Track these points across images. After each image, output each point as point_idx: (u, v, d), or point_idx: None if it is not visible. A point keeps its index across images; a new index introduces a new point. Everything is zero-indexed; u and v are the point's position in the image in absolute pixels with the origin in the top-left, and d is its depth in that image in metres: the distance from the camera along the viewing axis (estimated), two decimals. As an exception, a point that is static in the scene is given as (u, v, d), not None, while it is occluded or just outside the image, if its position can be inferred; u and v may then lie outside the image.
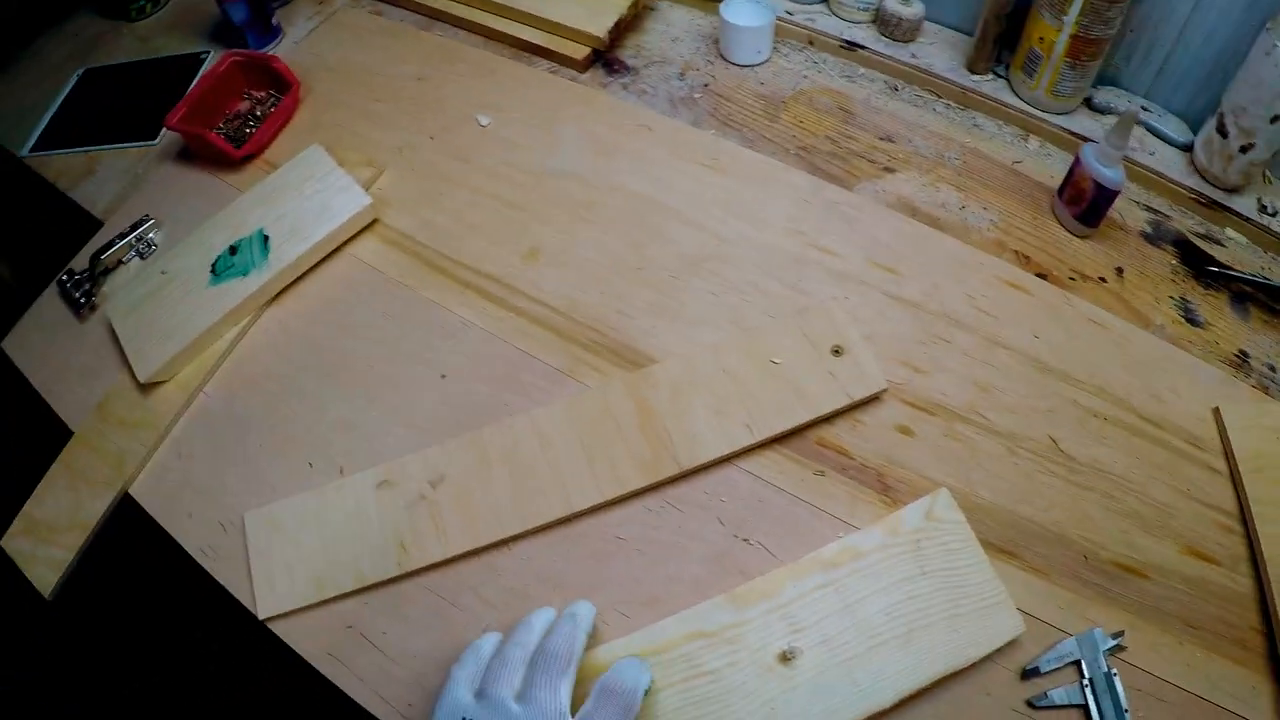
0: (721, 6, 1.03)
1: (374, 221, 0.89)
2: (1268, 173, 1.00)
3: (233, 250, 0.85)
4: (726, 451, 0.74)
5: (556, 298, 0.84)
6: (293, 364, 0.81)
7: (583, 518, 0.72)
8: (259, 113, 0.97)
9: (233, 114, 0.98)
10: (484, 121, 0.96)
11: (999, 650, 0.67)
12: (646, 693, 0.59)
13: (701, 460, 0.74)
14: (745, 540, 0.71)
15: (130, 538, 0.78)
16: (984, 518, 0.75)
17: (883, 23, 1.07)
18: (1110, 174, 0.87)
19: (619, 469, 0.73)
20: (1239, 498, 0.78)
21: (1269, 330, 0.91)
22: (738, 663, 0.64)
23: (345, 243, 0.88)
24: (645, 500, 0.73)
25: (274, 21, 1.07)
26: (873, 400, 0.79)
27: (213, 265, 0.85)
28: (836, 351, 0.79)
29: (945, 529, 0.71)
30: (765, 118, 1.00)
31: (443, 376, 0.79)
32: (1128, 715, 0.66)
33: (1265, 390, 0.87)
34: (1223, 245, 0.97)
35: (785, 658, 0.64)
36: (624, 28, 1.06)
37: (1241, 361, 0.88)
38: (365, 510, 0.72)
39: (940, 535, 0.71)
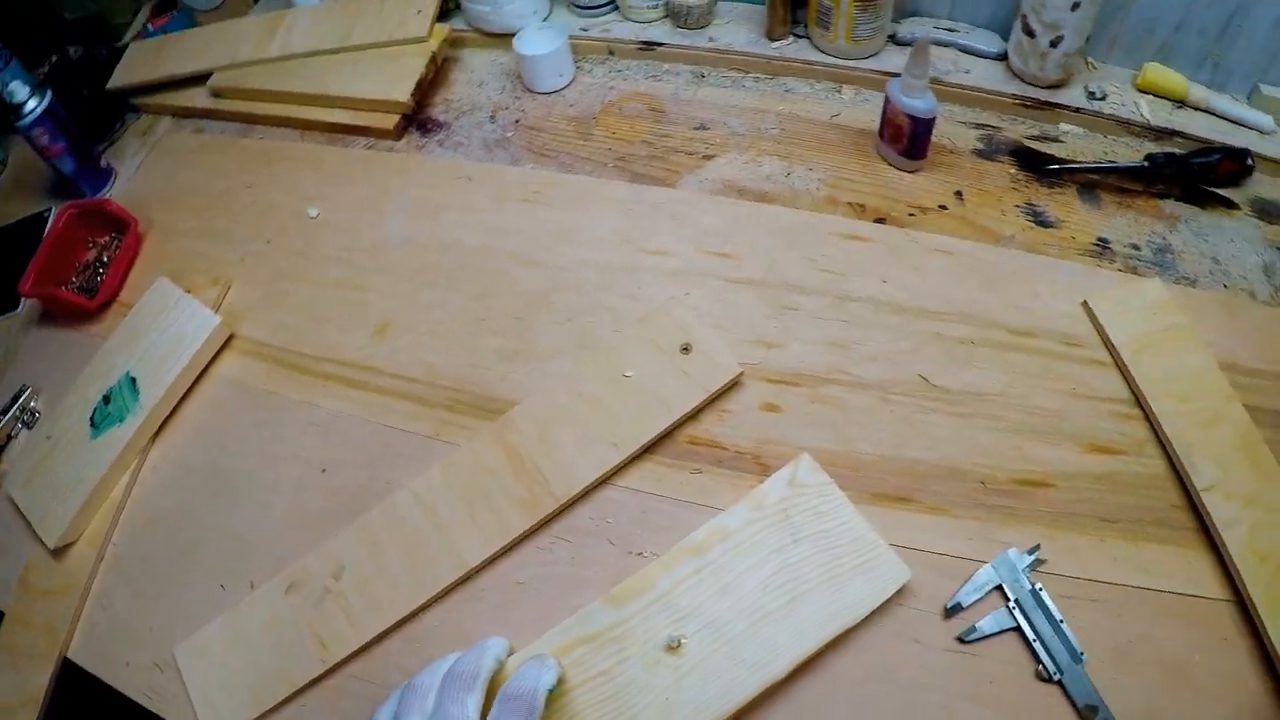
0: (515, 40, 1.01)
1: (230, 337, 0.88)
2: (1088, 59, 0.99)
3: (106, 400, 0.84)
4: (598, 475, 0.73)
5: (412, 367, 0.83)
6: (185, 494, 0.80)
7: (482, 572, 0.72)
8: (106, 258, 0.96)
9: (82, 265, 0.96)
10: (313, 213, 0.95)
11: (921, 597, 0.67)
12: (551, 692, 0.58)
13: (577, 489, 0.73)
14: (639, 554, 0.71)
15: (81, 699, 0.78)
16: (870, 471, 0.73)
17: (674, 15, 1.05)
18: (919, 104, 0.85)
19: (502, 516, 0.72)
20: (1128, 383, 0.77)
21: (1124, 211, 0.90)
22: (627, 659, 0.64)
23: (209, 365, 0.86)
24: (536, 540, 0.73)
25: (104, 164, 1.04)
26: (732, 387, 0.78)
27: (91, 418, 0.83)
28: (685, 349, 0.78)
29: (812, 493, 0.70)
30: (579, 138, 0.99)
31: (323, 471, 0.78)
32: (1064, 624, 0.65)
33: (1135, 271, 0.85)
34: (1061, 141, 0.96)
35: (671, 647, 0.64)
36: (426, 86, 1.04)
37: (1103, 249, 0.87)
38: (280, 617, 0.71)
39: (807, 500, 0.70)
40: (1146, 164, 0.91)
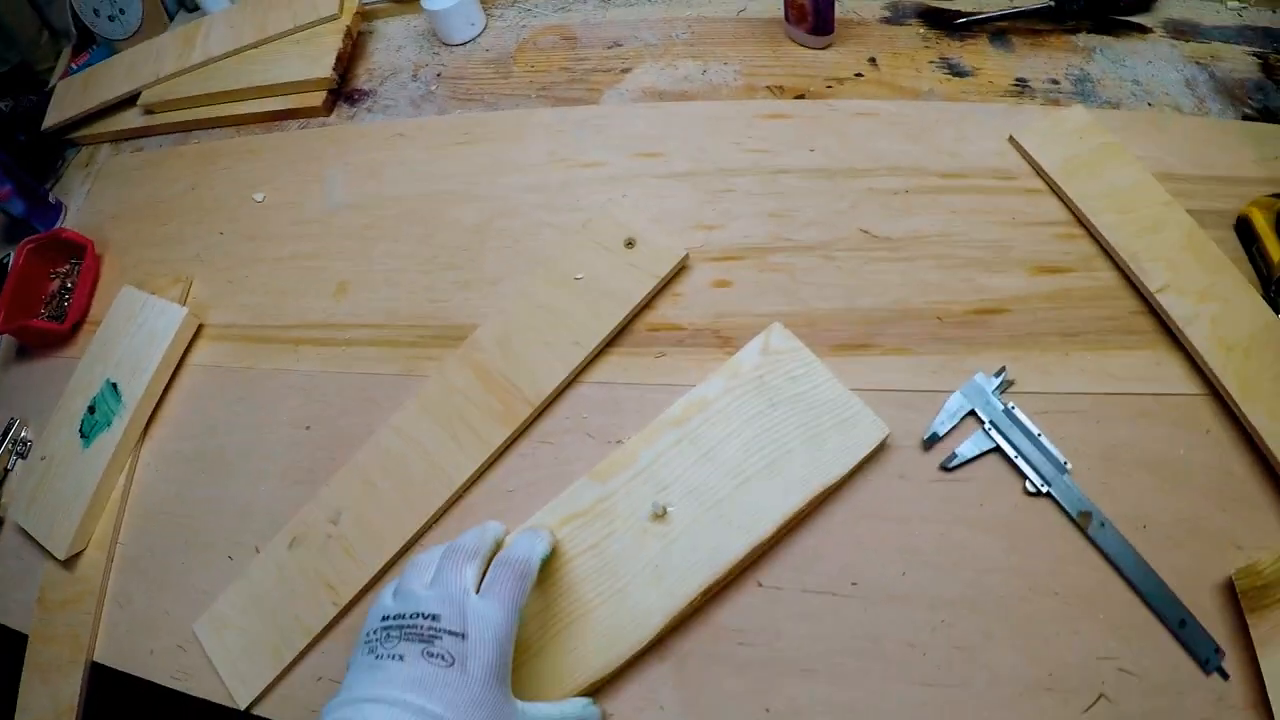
0: (422, 0, 1.03)
1: (200, 327, 0.89)
2: None
3: (91, 410, 0.85)
4: (567, 374, 0.74)
5: (375, 316, 0.84)
6: (181, 481, 0.81)
7: (471, 490, 0.72)
8: (69, 284, 0.97)
9: (48, 296, 0.97)
10: (259, 198, 0.96)
11: (899, 434, 0.67)
12: (544, 559, 0.60)
13: (548, 390, 0.74)
14: (619, 442, 0.71)
15: (115, 701, 0.78)
16: (828, 325, 0.74)
17: None
18: None
19: (481, 432, 0.73)
20: (1066, 205, 0.78)
21: (1038, 50, 0.91)
22: (614, 532, 0.65)
23: (184, 357, 0.87)
24: (518, 449, 0.73)
25: (53, 200, 1.06)
26: (681, 271, 0.79)
27: (80, 430, 0.85)
28: (629, 244, 0.79)
29: (785, 358, 0.70)
30: (500, 78, 1.00)
31: (307, 428, 0.79)
32: (1042, 437, 0.66)
33: (1056, 103, 0.86)
34: None
35: (657, 515, 0.64)
36: (347, 60, 1.05)
37: (1022, 88, 0.87)
38: (287, 571, 0.72)
39: (781, 366, 0.70)
40: (1052, 3, 0.92)
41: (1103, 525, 0.61)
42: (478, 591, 0.55)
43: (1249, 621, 0.57)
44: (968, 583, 0.61)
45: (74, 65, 1.19)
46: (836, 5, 0.90)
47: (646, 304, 0.77)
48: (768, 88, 0.91)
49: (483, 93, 0.99)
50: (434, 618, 0.53)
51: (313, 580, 0.71)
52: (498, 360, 0.76)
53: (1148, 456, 0.64)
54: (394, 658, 0.52)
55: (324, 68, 1.01)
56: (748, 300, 0.77)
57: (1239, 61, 0.89)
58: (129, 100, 1.09)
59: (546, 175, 0.88)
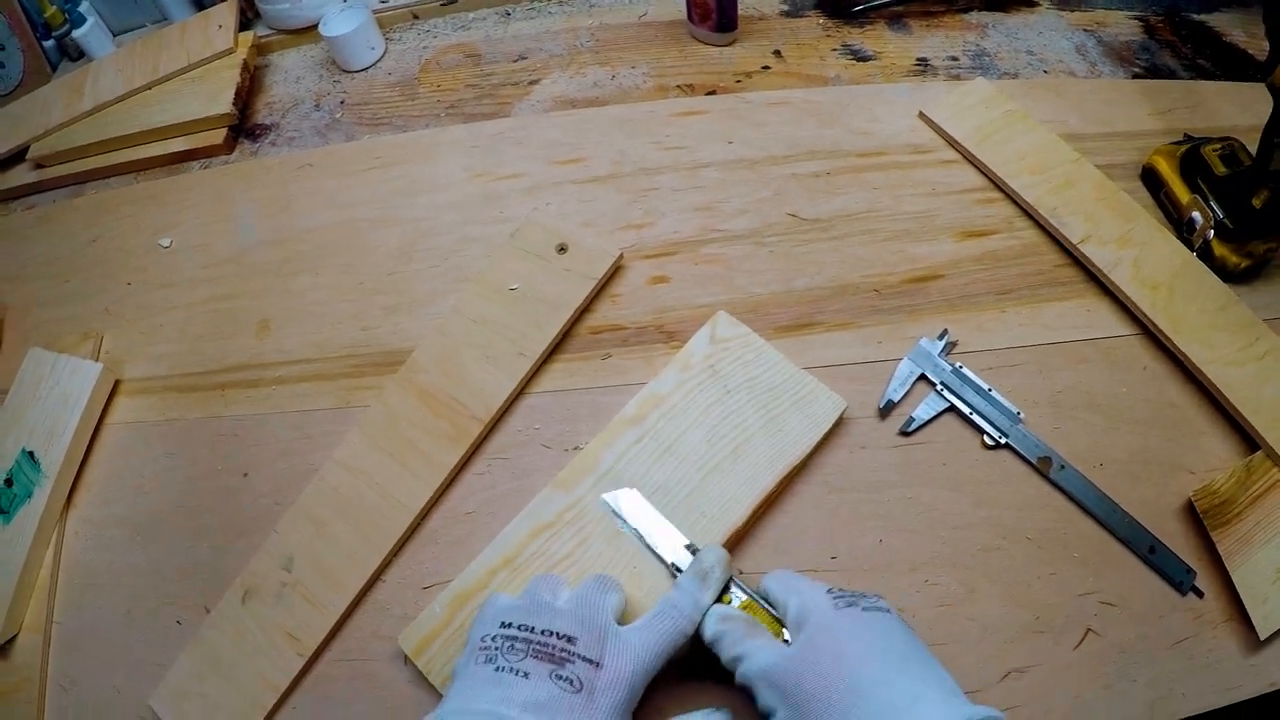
0: (320, 28, 0.97)
1: (117, 383, 0.81)
2: None
3: (9, 483, 0.77)
4: (514, 386, 0.71)
5: (303, 350, 0.78)
6: (114, 548, 0.73)
7: (429, 516, 0.68)
8: (-32, 355, 0.89)
9: (-55, 370, 0.89)
10: (165, 244, 0.88)
11: (854, 406, 0.67)
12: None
13: (497, 405, 0.70)
14: (576, 449, 0.68)
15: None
16: (769, 309, 0.73)
17: None
18: None
19: (432, 455, 0.69)
20: (982, 172, 0.80)
21: (934, 30, 0.93)
22: (587, 539, 0.62)
23: (103, 416, 0.80)
24: (472, 468, 0.69)
25: (-60, 270, 0.97)
26: (616, 272, 0.76)
27: (-2, 507, 0.77)
28: (561, 249, 0.76)
29: (734, 344, 0.69)
30: (405, 99, 0.95)
31: (245, 475, 0.73)
32: (993, 391, 0.66)
33: (957, 79, 0.88)
34: None
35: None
36: (245, 95, 0.99)
37: (924, 67, 0.90)
38: (244, 627, 0.66)
39: (731, 352, 0.69)
40: None
41: (1063, 468, 0.63)
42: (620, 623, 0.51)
43: (1214, 538, 0.58)
44: (943, 540, 0.61)
45: None
46: (738, 1, 0.90)
47: (586, 307, 0.74)
48: (678, 87, 0.90)
49: (390, 116, 0.94)
50: (569, 639, 0.49)
51: (272, 633, 0.65)
52: (440, 380, 0.72)
53: (1093, 398, 0.66)
54: (517, 673, 0.47)
55: (223, 103, 0.95)
56: (687, 293, 0.75)
57: (1123, 26, 0.92)
58: (17, 157, 1.01)
59: (465, 191, 0.84)
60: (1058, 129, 0.81)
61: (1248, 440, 0.64)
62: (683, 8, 0.93)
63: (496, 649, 0.49)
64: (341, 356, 0.77)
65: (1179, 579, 0.58)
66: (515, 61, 0.96)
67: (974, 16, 0.93)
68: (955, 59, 0.89)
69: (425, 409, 0.71)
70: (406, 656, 0.60)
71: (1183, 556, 0.59)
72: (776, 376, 0.67)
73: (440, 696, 0.58)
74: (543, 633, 0.49)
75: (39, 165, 1.00)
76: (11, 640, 0.72)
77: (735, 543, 0.62)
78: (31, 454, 0.78)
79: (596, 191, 0.82)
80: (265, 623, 0.66)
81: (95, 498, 0.77)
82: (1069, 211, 0.75)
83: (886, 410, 0.67)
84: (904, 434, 0.66)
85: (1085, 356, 0.68)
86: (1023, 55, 0.89)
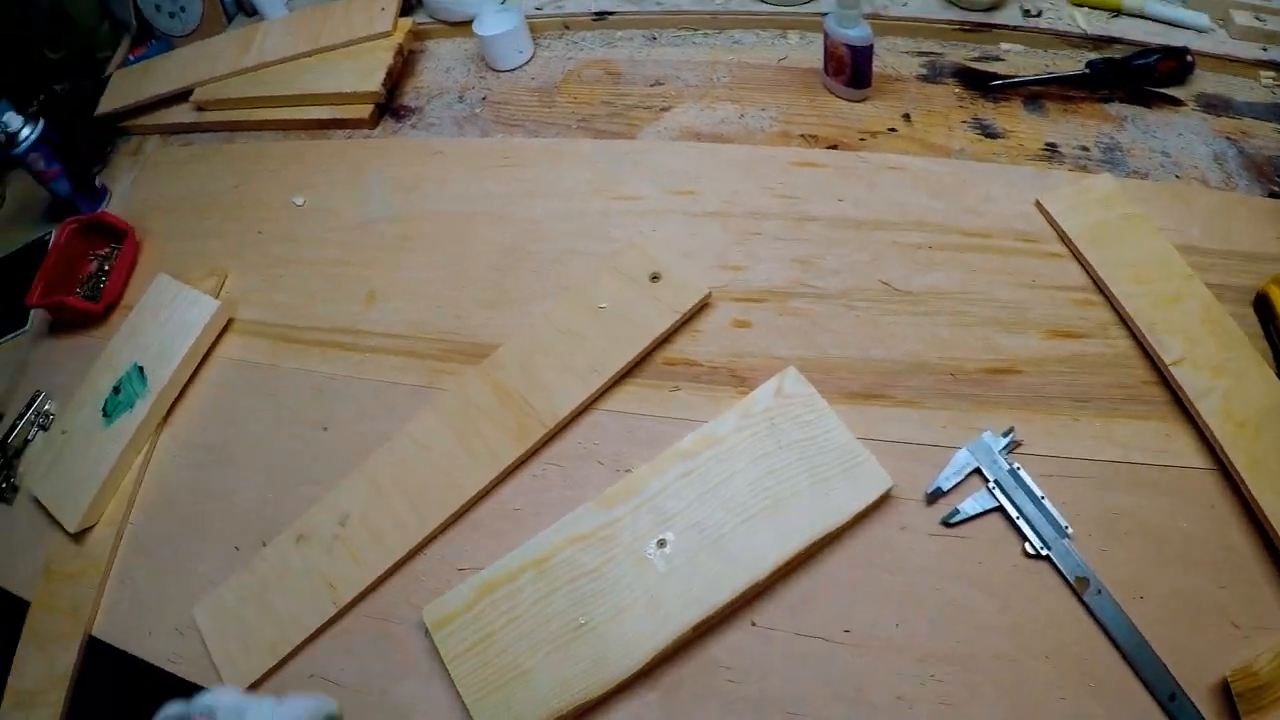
0: (474, 25, 1.04)
1: (230, 321, 0.90)
2: None
3: (116, 390, 0.86)
4: (584, 399, 0.75)
5: (400, 326, 0.85)
6: (196, 469, 0.82)
7: (479, 503, 0.73)
8: (107, 267, 0.98)
9: (85, 276, 0.98)
10: (299, 202, 0.97)
11: (903, 486, 0.67)
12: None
13: (564, 414, 0.74)
14: (628, 471, 0.71)
15: (109, 676, 0.78)
16: (842, 373, 0.74)
17: None
18: (855, 33, 0.87)
19: (494, 447, 0.74)
20: (1086, 272, 0.78)
21: (1069, 116, 0.91)
22: (615, 558, 0.65)
23: (211, 349, 0.88)
24: (529, 469, 0.74)
25: (98, 184, 1.08)
26: (703, 308, 0.79)
27: (103, 409, 0.85)
28: (654, 278, 0.79)
29: (797, 402, 0.71)
30: (543, 106, 1.02)
31: (325, 429, 0.80)
32: (1046, 501, 0.65)
33: (1085, 170, 0.86)
34: (1002, 60, 0.98)
35: (660, 544, 0.65)
36: (396, 76, 1.07)
37: (1052, 153, 0.88)
38: (291, 567, 0.72)
39: (792, 410, 0.70)
40: (1087, 70, 0.92)
41: (1099, 592, 0.61)
42: None
43: None
44: (960, 639, 0.61)
45: (131, 57, 1.22)
46: (875, 60, 0.91)
47: (666, 338, 0.78)
48: (802, 136, 0.92)
49: (525, 119, 1.01)
50: None
51: (315, 579, 0.71)
52: (517, 379, 0.77)
53: (1149, 527, 0.64)
54: None
55: (374, 82, 1.03)
56: (766, 342, 0.77)
57: (1269, 139, 0.88)
58: (182, 95, 1.11)
59: (583, 204, 0.89)
60: (1176, 238, 0.77)
61: (1305, 605, 0.62)
62: (821, 57, 0.94)
63: None
64: (433, 339, 0.83)
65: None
66: (652, 86, 1.01)
67: (1114, 108, 0.91)
68: (1085, 149, 0.88)
69: (498, 403, 0.76)
70: (427, 629, 0.65)
71: (1205, 715, 0.57)
72: (832, 441, 0.68)
73: (447, 673, 0.63)
74: None
75: (200, 108, 1.11)
76: (88, 530, 0.80)
77: (754, 596, 0.64)
78: (142, 369, 0.86)
79: (703, 225, 0.86)
80: (311, 567, 0.72)
81: (190, 421, 0.86)
82: (1168, 329, 0.72)
83: (934, 497, 0.67)
84: (946, 524, 0.65)
85: (1151, 481, 0.66)
86: (1157, 155, 0.87)
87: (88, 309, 0.94)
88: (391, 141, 1.02)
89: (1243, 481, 0.64)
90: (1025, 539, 0.64)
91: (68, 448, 0.85)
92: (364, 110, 1.04)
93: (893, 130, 0.91)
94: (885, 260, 0.80)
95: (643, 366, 0.77)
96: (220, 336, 0.89)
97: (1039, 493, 0.66)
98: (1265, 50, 0.94)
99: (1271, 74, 0.94)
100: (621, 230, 0.86)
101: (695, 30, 1.06)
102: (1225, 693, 0.57)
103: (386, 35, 1.08)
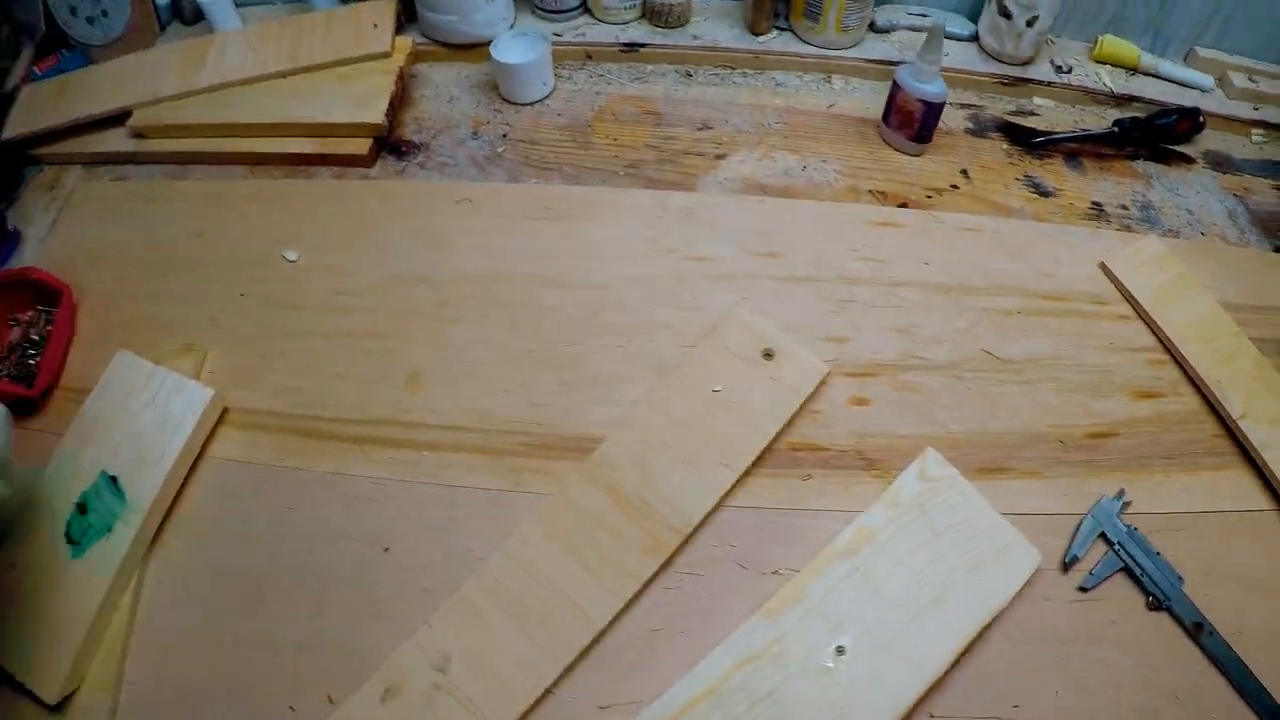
0: (492, 49, 0.92)
1: (224, 411, 0.73)
2: (1048, 36, 1.03)
3: (82, 509, 0.67)
4: (718, 498, 0.67)
5: (461, 415, 0.72)
6: (210, 608, 0.64)
7: (610, 629, 0.62)
8: (35, 336, 0.77)
9: (7, 348, 0.77)
10: (292, 257, 0.80)
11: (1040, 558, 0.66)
12: None
13: (698, 517, 0.66)
14: (774, 573, 0.65)
15: None
16: (966, 449, 0.72)
17: (653, 14, 1.00)
18: (933, 89, 0.86)
19: (620, 562, 0.64)
20: (1154, 333, 0.82)
21: (1105, 174, 0.96)
22: (790, 676, 0.59)
23: (202, 450, 0.71)
24: (660, 581, 0.64)
25: (10, 227, 0.84)
26: (819, 387, 0.73)
27: (66, 534, 0.66)
28: (767, 355, 0.73)
29: (942, 485, 0.68)
30: (578, 147, 0.91)
31: (386, 550, 0.66)
32: (1159, 556, 0.68)
33: (1127, 229, 0.90)
34: (1037, 114, 1.01)
35: (839, 652, 0.60)
36: (396, 105, 0.92)
37: (1099, 212, 0.92)
38: None
39: (940, 493, 0.68)
40: (1116, 129, 0.97)
41: (1211, 634, 0.65)
42: None
43: None
44: (1108, 698, 0.62)
45: (37, 70, 0.97)
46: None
47: (788, 422, 0.71)
48: (870, 192, 0.89)
49: (560, 163, 0.89)
50: None
51: (422, 744, 0.58)
52: (633, 481, 0.67)
53: (1238, 569, 0.69)
54: None
55: (375, 111, 0.88)
56: (887, 420, 0.74)
57: (1268, 195, 0.97)
58: (114, 119, 0.89)
59: (650, 266, 0.80)
60: (1217, 296, 0.84)
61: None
62: (870, 106, 0.93)
63: None
64: (508, 431, 0.71)
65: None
66: (699, 130, 0.93)
67: (1140, 165, 0.97)
68: (1125, 208, 0.92)
69: (614, 509, 0.66)
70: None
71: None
72: (980, 523, 0.67)
73: None
74: None
75: (139, 134, 0.89)
76: (71, 697, 0.61)
77: (931, 689, 0.61)
78: (115, 479, 0.68)
79: (794, 292, 0.80)
80: (410, 729, 0.58)
81: (187, 544, 0.68)
82: (1231, 385, 0.79)
83: (1070, 565, 0.68)
84: (1083, 590, 0.67)
85: (1234, 527, 0.71)
86: (1183, 214, 0.93)
87: (18, 393, 0.73)
88: (399, 185, 0.87)
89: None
90: (1148, 594, 0.67)
91: (22, 589, 0.65)
92: (361, 145, 0.88)
93: (955, 187, 0.91)
94: (981, 328, 0.80)
95: (766, 455, 0.70)
96: (212, 432, 0.71)
97: (1154, 549, 0.69)
98: (1256, 109, 1.02)
99: (1261, 131, 1.03)
100: (706, 298, 0.78)
101: (734, 69, 0.99)
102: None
103: (383, 56, 0.92)
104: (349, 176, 0.88)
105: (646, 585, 0.64)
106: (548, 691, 0.60)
